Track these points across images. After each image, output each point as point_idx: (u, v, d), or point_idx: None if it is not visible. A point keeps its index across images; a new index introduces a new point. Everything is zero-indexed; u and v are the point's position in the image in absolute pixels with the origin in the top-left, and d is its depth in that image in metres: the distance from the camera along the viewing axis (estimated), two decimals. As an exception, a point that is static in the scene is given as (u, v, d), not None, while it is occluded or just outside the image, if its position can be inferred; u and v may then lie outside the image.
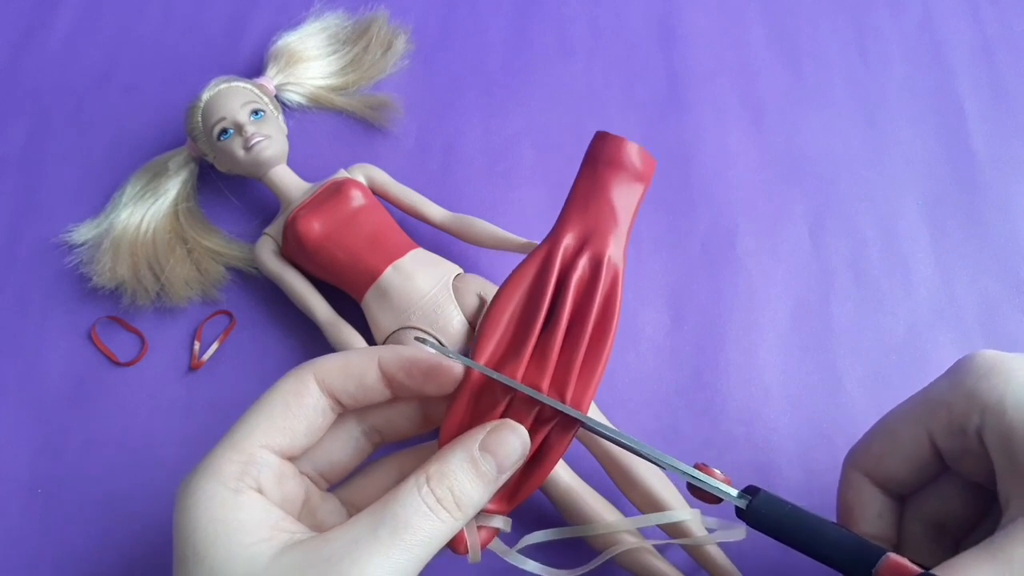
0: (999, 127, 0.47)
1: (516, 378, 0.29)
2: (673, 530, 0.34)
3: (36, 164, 0.47)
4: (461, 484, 0.26)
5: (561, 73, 0.50)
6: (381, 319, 0.39)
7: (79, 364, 0.42)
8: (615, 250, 0.30)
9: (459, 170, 0.46)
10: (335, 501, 0.30)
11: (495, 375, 0.28)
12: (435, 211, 0.42)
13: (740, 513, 0.29)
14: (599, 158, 0.31)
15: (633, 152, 0.31)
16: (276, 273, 0.41)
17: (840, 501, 0.32)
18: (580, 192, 0.31)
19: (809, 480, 0.38)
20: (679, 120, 0.48)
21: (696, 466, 0.29)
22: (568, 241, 0.30)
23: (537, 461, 0.28)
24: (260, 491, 0.27)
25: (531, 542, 0.31)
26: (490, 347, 0.29)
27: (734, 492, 0.28)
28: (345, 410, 0.29)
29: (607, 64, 0.50)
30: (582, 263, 0.30)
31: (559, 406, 0.28)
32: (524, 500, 0.29)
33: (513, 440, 0.27)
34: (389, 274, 0.39)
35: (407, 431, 0.30)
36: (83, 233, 0.44)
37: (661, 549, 0.36)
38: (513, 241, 0.41)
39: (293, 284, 0.41)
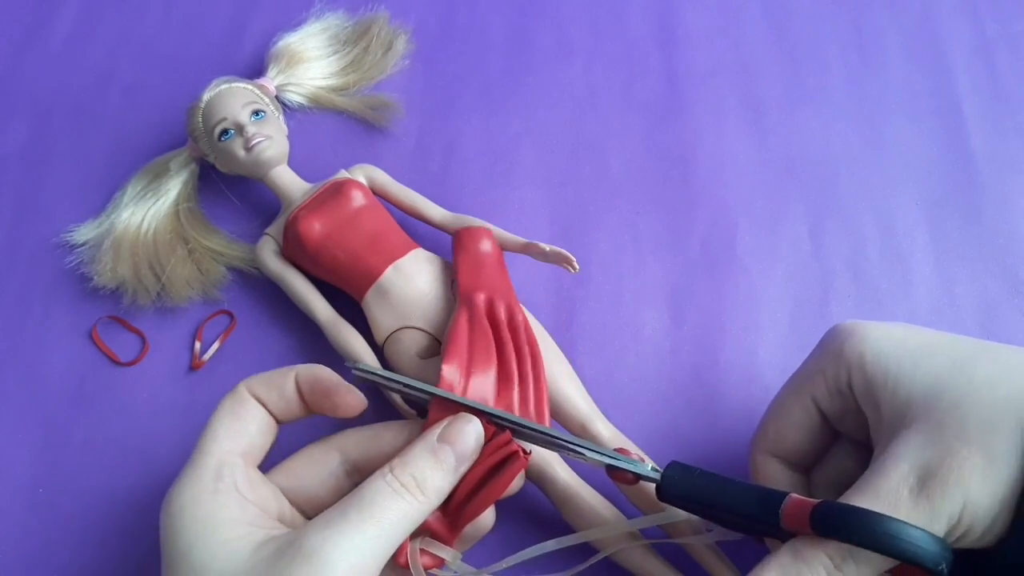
0: (998, 127, 0.47)
1: (488, 395, 0.34)
2: (673, 530, 0.35)
3: (37, 164, 0.47)
4: (422, 470, 0.29)
5: (561, 73, 0.50)
6: (381, 319, 0.39)
7: (80, 364, 0.42)
8: (514, 299, 0.38)
9: (459, 170, 0.46)
10: None
11: (449, 395, 0.32)
12: (435, 211, 0.42)
13: (657, 490, 0.31)
14: (466, 244, 0.40)
15: (484, 234, 0.40)
16: (277, 273, 0.41)
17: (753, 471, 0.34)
18: (465, 268, 0.39)
19: (809, 480, 0.38)
20: (679, 120, 0.48)
21: (615, 450, 0.32)
22: (480, 297, 0.37)
23: (483, 486, 0.31)
24: (237, 490, 0.28)
25: (525, 557, 0.32)
26: (456, 367, 0.34)
27: (648, 467, 0.31)
28: (278, 421, 0.32)
29: (607, 64, 0.50)
30: (500, 309, 0.37)
31: (526, 423, 0.31)
32: (468, 522, 0.31)
33: (468, 430, 0.30)
34: (389, 274, 0.39)
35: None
36: (84, 233, 0.44)
37: (660, 548, 0.36)
38: (513, 241, 0.41)
39: (294, 284, 0.41)
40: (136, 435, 0.40)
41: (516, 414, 0.35)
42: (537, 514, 0.38)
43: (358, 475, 0.31)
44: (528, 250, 0.40)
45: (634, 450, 0.32)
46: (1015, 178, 0.46)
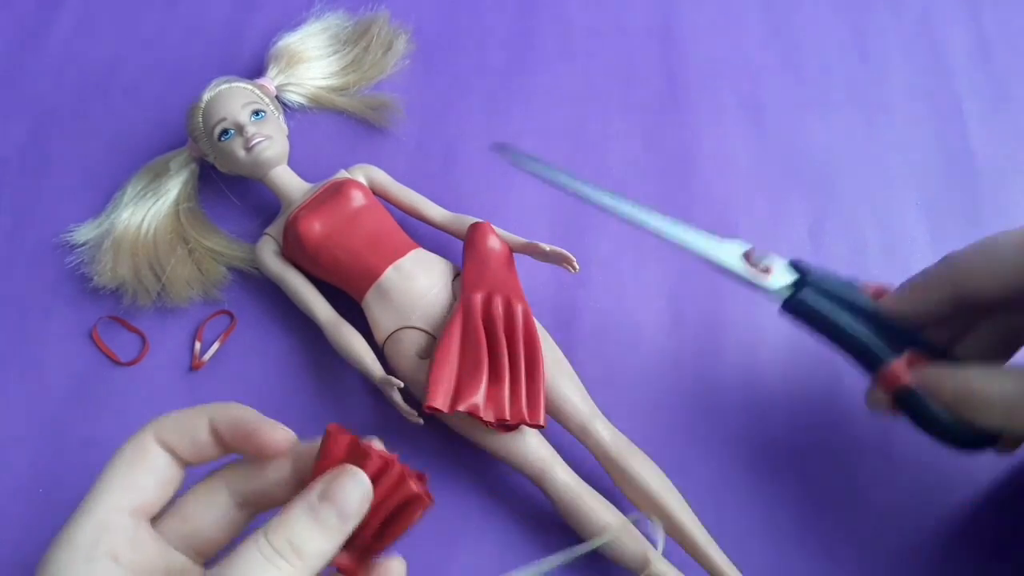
0: (998, 127, 0.47)
1: (478, 395, 0.35)
2: (671, 530, 0.35)
3: (37, 164, 0.47)
4: (299, 533, 0.26)
5: (561, 73, 0.50)
6: (382, 319, 0.39)
7: (80, 364, 0.42)
8: (516, 292, 0.38)
9: (459, 170, 0.46)
10: None
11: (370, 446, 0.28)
12: (435, 211, 0.42)
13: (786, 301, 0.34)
14: (476, 240, 0.40)
15: (490, 229, 0.40)
16: (277, 273, 0.41)
17: (907, 285, 0.33)
18: (471, 265, 0.39)
19: (810, 480, 0.38)
20: (679, 120, 0.48)
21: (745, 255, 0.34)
22: (478, 297, 0.37)
23: (395, 520, 0.28)
24: (115, 559, 0.26)
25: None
26: (444, 377, 0.35)
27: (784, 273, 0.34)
28: (189, 464, 0.29)
29: (607, 64, 0.50)
30: (497, 306, 0.37)
31: None
32: (378, 555, 0.28)
33: (351, 486, 0.26)
34: (390, 274, 0.39)
35: (281, 497, 0.29)
36: (84, 233, 0.44)
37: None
38: (513, 241, 0.41)
39: (294, 284, 0.41)
40: (136, 435, 0.40)
41: (506, 414, 0.35)
42: (538, 514, 0.38)
43: (249, 508, 0.29)
44: (528, 250, 0.40)
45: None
46: (1015, 178, 0.46)
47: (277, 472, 0.28)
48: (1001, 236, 0.32)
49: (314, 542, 0.26)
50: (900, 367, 0.31)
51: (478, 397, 0.35)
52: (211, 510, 0.29)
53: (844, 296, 0.33)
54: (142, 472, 0.28)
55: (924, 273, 0.33)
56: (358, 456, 0.26)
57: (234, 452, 0.29)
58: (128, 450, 0.28)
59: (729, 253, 0.35)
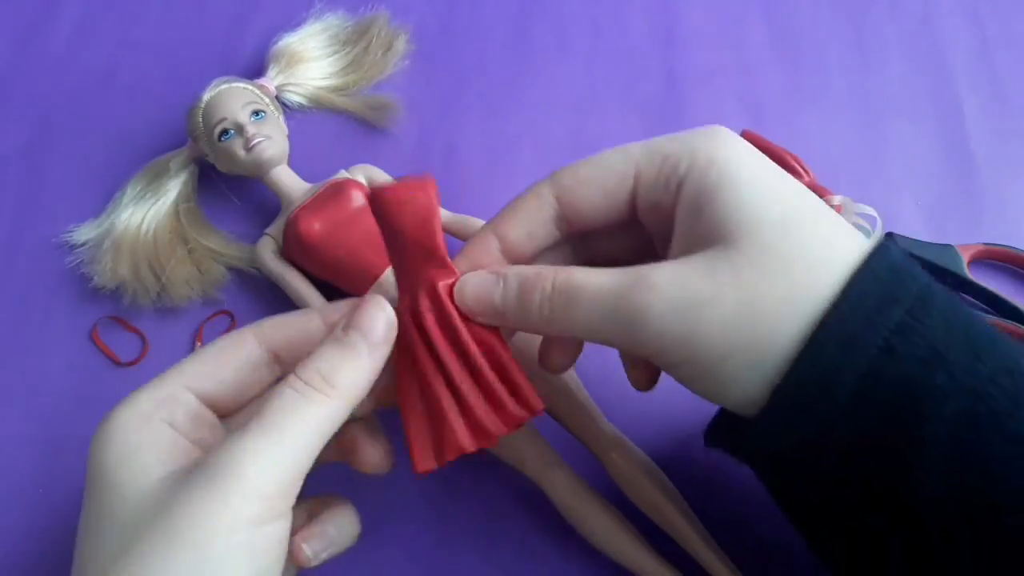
0: (998, 127, 0.47)
1: (459, 432, 0.28)
2: (674, 531, 0.35)
3: (37, 164, 0.47)
4: (328, 361, 0.26)
5: (561, 73, 0.50)
6: (381, 319, 0.38)
7: (80, 364, 0.42)
8: (438, 271, 0.29)
9: (459, 170, 0.46)
10: None
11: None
12: (435, 211, 0.42)
13: None
14: (381, 216, 0.29)
15: (400, 192, 0.28)
16: (277, 273, 0.41)
17: (508, 205, 0.30)
18: (393, 255, 0.30)
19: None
20: (679, 120, 0.48)
21: None
22: (406, 303, 0.29)
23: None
24: (172, 425, 0.27)
25: None
26: (418, 431, 0.29)
27: None
28: (283, 366, 0.29)
29: (607, 64, 0.50)
30: (425, 306, 0.29)
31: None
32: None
33: (375, 311, 0.27)
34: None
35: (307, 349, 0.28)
36: (84, 233, 0.44)
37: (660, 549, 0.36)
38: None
39: (294, 284, 0.41)
40: (136, 435, 0.40)
41: (499, 430, 0.29)
42: (539, 513, 0.38)
43: (278, 364, 0.29)
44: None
45: None
46: (1015, 178, 0.46)
47: (309, 323, 0.29)
48: (610, 150, 0.29)
49: (345, 371, 0.26)
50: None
51: (460, 435, 0.28)
52: (232, 366, 0.28)
53: None
54: (226, 367, 0.28)
55: (527, 190, 0.30)
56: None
57: None
58: (223, 341, 0.28)
59: None
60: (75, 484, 0.39)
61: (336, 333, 0.27)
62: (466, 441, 0.28)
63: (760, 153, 0.28)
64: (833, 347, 0.24)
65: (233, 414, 0.29)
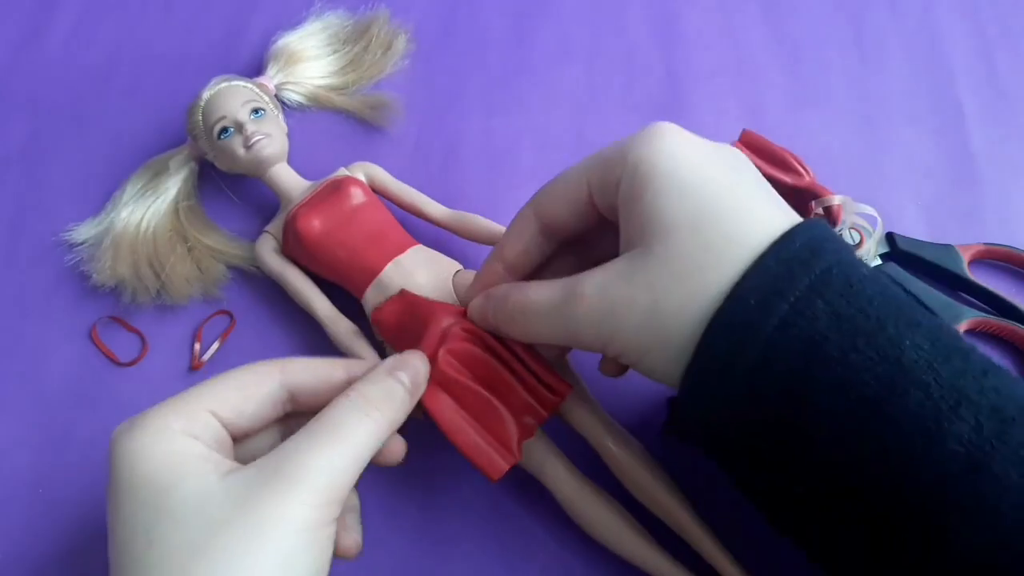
0: (998, 127, 0.47)
1: (511, 426, 0.33)
2: (674, 523, 0.35)
3: (37, 163, 0.47)
4: (381, 389, 0.29)
5: (561, 73, 0.50)
6: (382, 317, 0.39)
7: (79, 364, 0.42)
8: (449, 316, 0.34)
9: (459, 170, 0.46)
10: None
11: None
12: (435, 209, 0.42)
13: None
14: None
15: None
16: (277, 271, 0.41)
17: (507, 229, 0.34)
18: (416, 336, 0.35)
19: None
20: (679, 120, 0.47)
21: None
22: (433, 348, 0.33)
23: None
24: (193, 437, 0.27)
25: None
26: (476, 445, 0.33)
27: None
28: (297, 409, 0.31)
29: (607, 65, 0.50)
30: (455, 339, 0.33)
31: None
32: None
33: (419, 362, 0.32)
34: (389, 271, 0.39)
35: (325, 400, 0.30)
36: (84, 232, 0.44)
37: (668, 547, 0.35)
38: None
39: (294, 282, 0.41)
40: (136, 435, 0.40)
41: (542, 413, 0.34)
42: (540, 510, 0.38)
43: (292, 404, 0.30)
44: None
45: None
46: (1015, 178, 0.46)
47: (334, 374, 0.31)
48: (576, 163, 0.32)
49: (392, 399, 0.29)
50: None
51: (512, 428, 0.33)
52: (254, 399, 0.29)
53: None
54: (249, 399, 0.29)
55: (518, 213, 0.33)
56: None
57: None
58: (248, 370, 0.30)
59: None
60: (75, 484, 0.39)
61: (386, 366, 0.31)
62: (515, 433, 0.33)
63: (694, 143, 0.29)
64: (722, 345, 0.26)
65: (241, 442, 0.30)
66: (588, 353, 0.36)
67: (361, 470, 0.28)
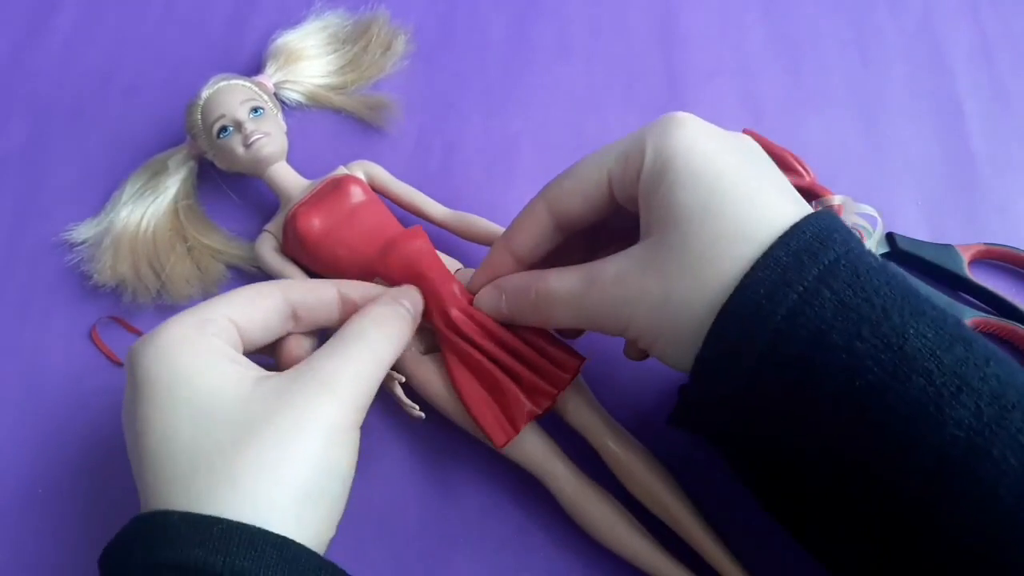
0: (999, 127, 0.47)
1: (522, 401, 0.35)
2: (674, 523, 0.35)
3: (36, 163, 0.47)
4: (391, 310, 0.33)
5: (561, 73, 0.50)
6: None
7: (79, 364, 0.42)
8: (455, 289, 0.36)
9: (459, 170, 0.46)
10: None
11: None
12: (435, 208, 0.42)
13: None
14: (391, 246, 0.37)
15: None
16: (277, 270, 0.41)
17: (514, 220, 0.35)
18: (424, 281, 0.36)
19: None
20: (679, 120, 0.48)
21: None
22: (440, 322, 0.36)
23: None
24: (223, 339, 0.30)
25: None
26: (487, 413, 0.35)
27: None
28: (297, 327, 0.34)
29: (607, 64, 0.50)
30: (458, 317, 0.35)
31: None
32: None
33: (415, 294, 0.35)
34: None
35: (323, 319, 0.34)
36: (83, 231, 0.44)
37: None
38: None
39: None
40: (135, 434, 0.40)
41: (553, 390, 0.35)
42: (541, 509, 0.38)
43: (294, 322, 0.33)
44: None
45: None
46: (1016, 178, 0.46)
47: (327, 292, 0.34)
48: (588, 157, 0.32)
49: (401, 319, 0.33)
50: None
51: (523, 403, 0.34)
52: (262, 309, 0.32)
53: None
54: (257, 308, 0.32)
55: (527, 206, 0.34)
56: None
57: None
58: (252, 289, 0.33)
59: None
60: (75, 484, 0.39)
61: (391, 294, 0.34)
62: (527, 408, 0.34)
63: (709, 133, 0.30)
64: (732, 333, 0.27)
65: (250, 354, 0.32)
66: (588, 353, 0.36)
67: (380, 380, 0.31)
